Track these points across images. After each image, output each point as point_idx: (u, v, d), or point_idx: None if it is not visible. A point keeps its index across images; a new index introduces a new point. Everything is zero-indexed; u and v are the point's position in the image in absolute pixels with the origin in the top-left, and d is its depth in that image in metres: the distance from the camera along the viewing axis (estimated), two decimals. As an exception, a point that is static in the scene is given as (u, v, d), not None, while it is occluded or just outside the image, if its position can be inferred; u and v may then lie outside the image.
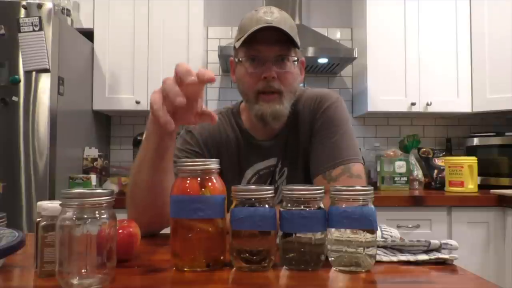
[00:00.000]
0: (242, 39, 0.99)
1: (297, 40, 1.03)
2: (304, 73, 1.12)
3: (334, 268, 0.66)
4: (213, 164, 0.68)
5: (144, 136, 0.87)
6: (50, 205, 0.62)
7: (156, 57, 2.47)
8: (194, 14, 2.49)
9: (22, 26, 1.90)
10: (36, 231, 0.63)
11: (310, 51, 2.37)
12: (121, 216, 0.79)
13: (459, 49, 2.54)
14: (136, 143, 2.55)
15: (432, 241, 0.72)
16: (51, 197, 1.89)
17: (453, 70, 2.53)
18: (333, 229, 0.65)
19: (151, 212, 0.90)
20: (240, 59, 1.03)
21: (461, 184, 2.27)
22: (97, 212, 0.57)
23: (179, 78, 0.71)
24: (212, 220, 0.67)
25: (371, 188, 0.66)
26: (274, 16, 1.00)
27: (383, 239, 0.76)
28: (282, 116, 1.04)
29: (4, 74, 1.90)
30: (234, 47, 1.06)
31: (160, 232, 0.97)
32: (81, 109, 2.36)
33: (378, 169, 2.53)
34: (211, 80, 0.72)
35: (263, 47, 1.00)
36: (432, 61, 2.53)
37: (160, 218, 0.91)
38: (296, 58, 1.03)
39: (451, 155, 2.70)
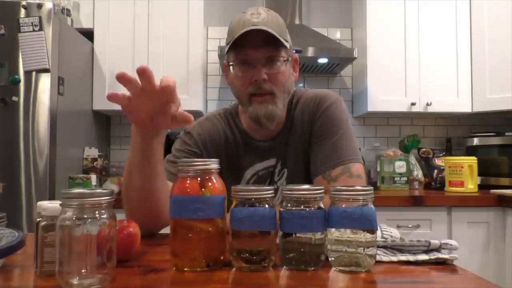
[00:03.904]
0: (230, 43, 0.99)
1: (287, 38, 1.02)
2: (298, 70, 1.12)
3: (334, 268, 0.66)
4: (213, 164, 0.68)
5: (130, 140, 0.86)
6: (50, 205, 0.62)
7: (156, 57, 2.46)
8: (194, 14, 2.49)
9: (22, 26, 1.90)
10: (36, 231, 0.63)
11: (310, 51, 2.36)
12: (121, 216, 0.79)
13: (459, 49, 2.54)
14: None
15: (432, 241, 0.72)
16: (51, 197, 1.89)
17: (453, 70, 2.53)
18: (333, 229, 0.65)
19: (144, 212, 0.89)
20: (231, 63, 1.04)
21: (461, 184, 2.27)
22: (97, 212, 0.57)
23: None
24: (212, 220, 0.67)
25: (371, 188, 0.66)
26: (261, 17, 0.99)
27: (383, 239, 0.76)
28: (276, 117, 1.04)
29: (4, 74, 1.90)
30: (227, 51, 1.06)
31: (160, 232, 0.97)
32: (81, 109, 2.35)
33: (378, 169, 2.53)
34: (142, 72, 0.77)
35: (251, 50, 0.99)
36: (432, 61, 2.53)
37: (155, 218, 0.91)
38: (286, 58, 1.03)
39: (451, 155, 2.70)
